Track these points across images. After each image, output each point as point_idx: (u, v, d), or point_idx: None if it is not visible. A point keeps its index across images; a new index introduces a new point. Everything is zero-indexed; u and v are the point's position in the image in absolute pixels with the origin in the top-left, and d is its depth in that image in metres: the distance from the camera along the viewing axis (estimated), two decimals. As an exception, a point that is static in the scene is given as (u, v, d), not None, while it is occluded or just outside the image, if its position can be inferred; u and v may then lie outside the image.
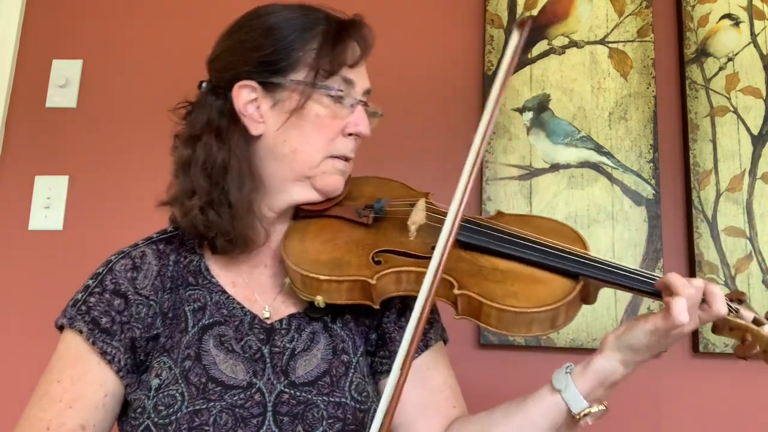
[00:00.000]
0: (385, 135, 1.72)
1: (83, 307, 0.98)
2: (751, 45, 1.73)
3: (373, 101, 1.08)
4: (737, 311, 0.91)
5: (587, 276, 0.93)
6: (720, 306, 0.87)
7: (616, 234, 1.65)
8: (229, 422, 0.91)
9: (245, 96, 1.00)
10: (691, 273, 1.63)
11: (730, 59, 1.73)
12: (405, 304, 1.07)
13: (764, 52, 1.73)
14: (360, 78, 1.04)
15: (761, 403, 1.59)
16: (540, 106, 1.73)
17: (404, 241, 1.00)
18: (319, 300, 0.97)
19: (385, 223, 1.04)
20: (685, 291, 0.86)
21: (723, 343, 1.57)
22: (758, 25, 1.74)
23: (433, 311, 1.11)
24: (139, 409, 0.93)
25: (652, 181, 1.67)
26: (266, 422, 0.93)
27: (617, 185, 1.68)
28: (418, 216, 1.01)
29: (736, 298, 0.95)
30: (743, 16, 1.75)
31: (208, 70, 1.06)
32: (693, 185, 1.66)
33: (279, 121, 1.00)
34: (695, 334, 1.59)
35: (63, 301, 1.84)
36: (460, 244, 0.98)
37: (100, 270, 1.02)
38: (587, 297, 0.96)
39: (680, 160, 1.72)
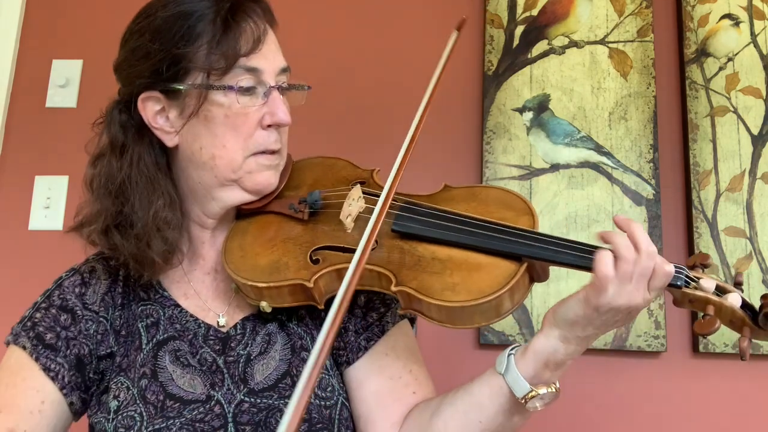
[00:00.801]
0: (384, 135, 1.72)
1: (28, 323, 0.96)
2: (751, 45, 1.73)
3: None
4: (698, 281, 0.83)
5: (531, 257, 0.87)
6: (666, 268, 0.81)
7: (616, 234, 1.65)
8: None
9: (151, 108, 0.95)
10: (691, 273, 1.63)
11: (730, 59, 1.73)
12: (357, 291, 1.00)
13: (764, 52, 1.73)
14: (266, 60, 0.95)
15: (761, 403, 1.59)
16: (540, 106, 1.73)
17: (341, 235, 0.94)
18: (264, 305, 0.94)
19: (323, 216, 0.98)
20: (615, 240, 0.81)
21: (723, 343, 1.57)
22: (758, 25, 1.74)
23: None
24: None
25: (652, 181, 1.67)
26: None
27: (617, 185, 1.68)
28: (352, 207, 0.95)
29: (700, 263, 0.86)
30: (743, 16, 1.75)
31: (116, 78, 1.01)
32: (693, 185, 1.66)
33: (188, 129, 0.94)
34: (695, 334, 1.59)
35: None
36: (396, 234, 0.93)
37: (50, 287, 1.01)
38: (537, 276, 0.90)
39: (680, 160, 1.72)
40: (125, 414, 0.91)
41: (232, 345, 0.97)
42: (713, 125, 1.69)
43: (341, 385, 0.99)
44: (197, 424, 0.90)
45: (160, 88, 0.94)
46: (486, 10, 1.79)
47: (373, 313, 1.03)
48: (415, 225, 0.93)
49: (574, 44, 1.77)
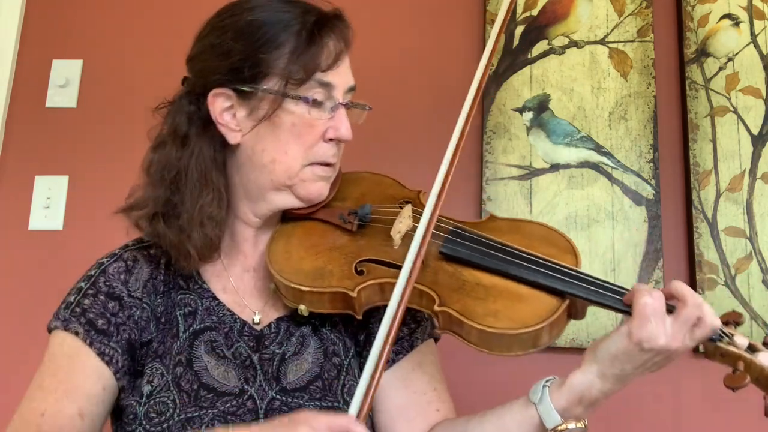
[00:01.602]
0: (384, 135, 1.72)
1: (77, 309, 0.96)
2: (751, 45, 1.73)
3: (364, 96, 1.04)
4: (731, 337, 0.85)
5: (575, 295, 0.88)
6: (710, 320, 0.83)
7: (616, 234, 1.65)
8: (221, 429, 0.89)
9: (220, 104, 0.97)
10: (691, 273, 1.63)
11: (730, 59, 1.73)
12: None
13: (764, 52, 1.73)
14: (339, 78, 0.99)
15: (761, 403, 1.59)
16: (540, 106, 1.73)
17: (388, 251, 0.97)
18: (303, 309, 0.95)
19: (371, 229, 1.01)
20: (652, 294, 0.83)
21: (723, 343, 1.57)
22: (758, 25, 1.74)
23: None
24: (131, 416, 0.92)
25: (652, 181, 1.67)
26: None
27: (617, 185, 1.68)
28: (402, 224, 0.98)
29: (733, 320, 0.89)
30: (743, 16, 1.75)
31: (187, 69, 1.04)
32: (693, 185, 1.66)
33: (255, 129, 0.97)
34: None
35: (63, 301, 1.80)
36: (443, 256, 0.95)
37: (92, 272, 1.00)
38: (575, 314, 0.92)
39: (680, 160, 1.71)
40: (158, 399, 0.92)
41: (266, 343, 0.99)
42: (713, 125, 1.69)
43: None
44: (229, 417, 0.91)
45: (234, 86, 0.96)
46: (486, 10, 1.79)
47: (404, 328, 1.05)
48: (463, 249, 0.95)
49: (574, 44, 1.77)
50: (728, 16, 1.75)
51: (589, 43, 1.76)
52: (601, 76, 1.74)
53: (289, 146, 0.97)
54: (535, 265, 0.91)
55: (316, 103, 0.97)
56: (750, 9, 1.75)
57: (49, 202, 1.78)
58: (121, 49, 1.88)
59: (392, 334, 0.80)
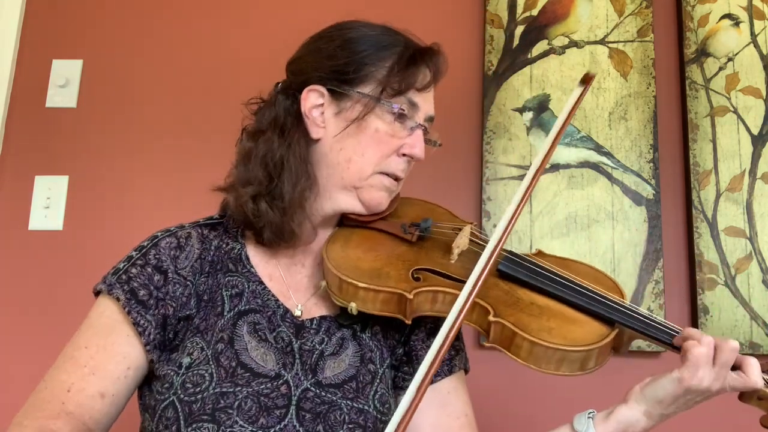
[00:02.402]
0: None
1: (124, 276, 0.99)
2: (751, 45, 1.73)
3: (433, 131, 1.11)
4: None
5: (623, 324, 0.94)
6: (755, 378, 0.89)
7: (616, 234, 1.65)
8: (253, 409, 0.92)
9: (312, 100, 1.04)
10: (691, 273, 1.63)
11: (730, 59, 1.73)
12: (435, 326, 1.07)
13: (764, 52, 1.73)
14: (425, 103, 1.07)
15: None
16: (540, 106, 1.73)
17: (445, 263, 1.01)
18: (353, 307, 0.97)
19: (428, 243, 1.06)
20: (704, 342, 0.89)
21: (723, 343, 1.57)
22: (758, 25, 1.74)
23: (459, 339, 1.13)
24: (167, 385, 0.94)
25: (652, 181, 1.67)
26: (289, 415, 0.93)
27: (617, 185, 1.68)
28: (462, 240, 1.02)
29: None
30: (743, 16, 1.75)
31: (285, 72, 1.10)
32: (693, 185, 1.66)
33: (339, 129, 1.03)
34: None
35: (63, 301, 1.84)
36: (499, 273, 0.99)
37: (145, 243, 1.04)
38: (619, 346, 0.97)
39: (680, 160, 1.72)
40: (196, 372, 0.94)
41: (306, 335, 1.01)
42: (713, 125, 1.69)
43: (395, 406, 1.02)
44: (262, 398, 0.93)
45: (329, 86, 1.04)
46: (486, 10, 1.79)
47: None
48: (521, 269, 1.00)
49: (574, 44, 1.77)
50: (728, 16, 1.75)
51: (589, 43, 1.76)
52: (601, 76, 1.74)
53: (367, 150, 1.03)
54: (589, 292, 0.97)
55: (401, 117, 1.04)
56: (750, 9, 1.75)
57: (49, 202, 1.78)
58: (121, 49, 1.88)
59: (447, 344, 0.84)
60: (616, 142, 1.70)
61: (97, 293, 1.01)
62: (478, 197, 1.69)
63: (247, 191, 1.03)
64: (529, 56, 1.76)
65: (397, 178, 1.06)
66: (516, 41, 1.77)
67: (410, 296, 0.95)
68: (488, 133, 1.72)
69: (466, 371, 1.12)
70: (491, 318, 0.92)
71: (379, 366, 1.03)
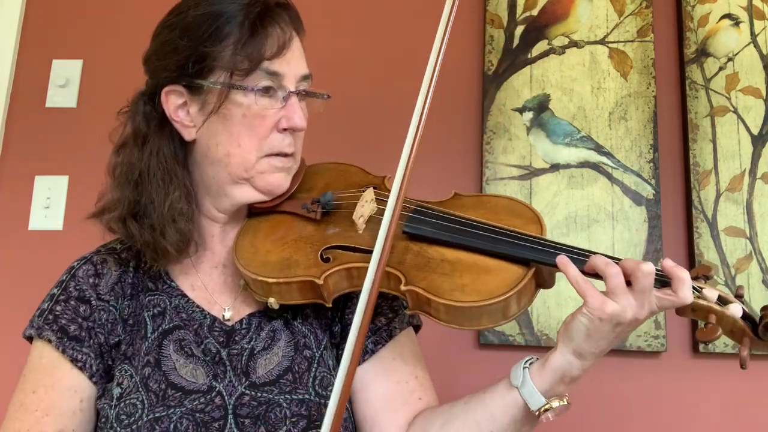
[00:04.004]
0: (384, 135, 1.72)
1: (50, 316, 0.97)
2: (751, 45, 1.73)
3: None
4: (701, 291, 0.85)
5: (539, 262, 0.88)
6: (685, 294, 0.82)
7: (616, 234, 1.65)
8: (190, 428, 0.90)
9: (173, 101, 0.98)
10: (691, 273, 1.63)
11: (730, 59, 1.73)
12: None
13: (764, 52, 1.73)
14: (288, 66, 0.97)
15: (761, 404, 1.59)
16: (540, 106, 1.73)
17: (353, 236, 0.97)
18: (272, 302, 0.95)
19: (335, 217, 1.01)
20: (610, 273, 0.82)
21: (723, 343, 1.57)
22: (758, 25, 1.74)
23: (397, 299, 1.05)
24: (104, 419, 0.93)
25: (652, 181, 1.67)
26: (228, 425, 0.91)
27: (617, 185, 1.68)
28: (365, 209, 0.97)
29: (702, 274, 0.88)
30: (743, 16, 1.75)
31: (143, 70, 1.04)
32: (693, 185, 1.66)
33: (207, 124, 0.97)
34: (695, 335, 1.59)
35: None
36: (407, 235, 0.95)
37: (64, 277, 1.02)
38: (543, 282, 0.92)
39: (680, 160, 1.72)
40: (127, 401, 0.92)
41: (236, 339, 0.99)
42: (713, 125, 1.69)
43: None
44: (197, 414, 0.91)
45: (183, 82, 0.97)
46: (486, 10, 1.79)
47: (381, 318, 1.04)
48: (427, 228, 0.94)
49: (574, 44, 1.77)
50: (728, 16, 1.75)
51: (589, 43, 1.76)
52: (601, 76, 1.74)
53: (241, 138, 0.96)
54: (498, 235, 0.91)
55: (264, 92, 0.96)
56: (750, 9, 1.75)
57: (49, 202, 1.78)
58: (121, 49, 1.87)
59: (368, 313, 0.81)
60: (616, 142, 1.70)
61: (29, 338, 0.99)
62: (478, 197, 1.69)
63: (113, 214, 0.98)
64: (529, 56, 1.76)
65: (286, 155, 0.99)
66: (516, 41, 1.77)
67: (320, 281, 0.92)
68: (488, 133, 1.72)
69: (417, 327, 1.08)
70: (403, 287, 0.89)
71: (315, 350, 1.00)
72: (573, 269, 0.84)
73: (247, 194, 1.00)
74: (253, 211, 1.05)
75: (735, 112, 1.70)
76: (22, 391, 0.96)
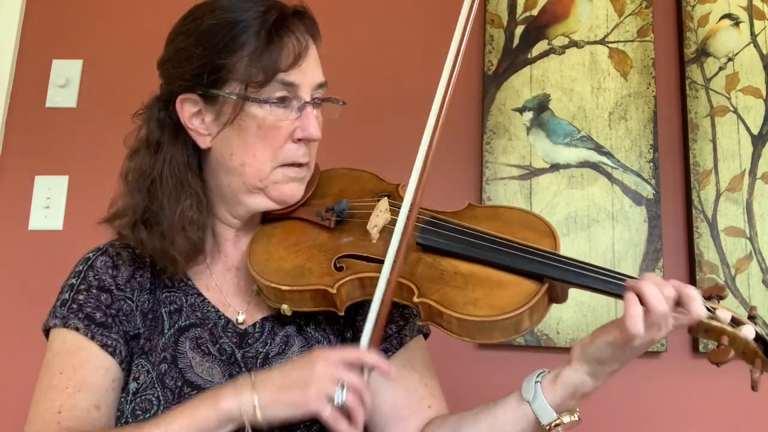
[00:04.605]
0: (384, 135, 1.72)
1: (74, 306, 0.96)
2: (751, 45, 1.73)
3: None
4: (714, 311, 0.84)
5: (552, 278, 0.88)
6: (698, 309, 0.82)
7: (616, 234, 1.65)
8: None
9: (188, 109, 0.98)
10: (691, 273, 1.63)
11: (730, 59, 1.73)
12: None
13: (764, 52, 1.73)
14: (304, 76, 0.97)
15: (761, 404, 1.59)
16: (540, 106, 1.73)
17: (367, 245, 0.97)
18: (285, 308, 0.95)
19: (349, 225, 1.01)
20: (651, 297, 0.81)
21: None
22: (758, 25, 1.74)
23: (408, 307, 1.04)
24: (119, 413, 0.93)
25: (652, 181, 1.67)
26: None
27: (617, 185, 1.68)
28: (379, 219, 0.97)
29: (716, 294, 0.88)
30: (743, 16, 1.75)
31: (158, 75, 1.03)
32: (693, 185, 1.66)
33: (222, 134, 0.97)
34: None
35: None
36: (420, 246, 0.95)
37: (81, 267, 1.01)
38: (556, 297, 0.92)
39: (680, 160, 1.72)
40: (143, 397, 0.92)
41: (249, 341, 0.99)
42: (713, 125, 1.69)
43: None
44: None
45: (199, 91, 0.96)
46: (486, 10, 1.79)
47: (392, 325, 1.04)
48: (440, 239, 0.94)
49: (574, 44, 1.77)
50: (728, 16, 1.75)
51: (589, 43, 1.76)
52: (601, 76, 1.74)
53: (256, 149, 0.96)
54: (511, 249, 0.91)
55: (279, 103, 0.95)
56: (750, 9, 1.75)
57: (49, 202, 1.78)
58: (121, 49, 1.88)
59: (379, 324, 0.82)
60: (616, 142, 1.70)
61: (47, 330, 0.97)
62: (478, 197, 1.69)
63: (123, 221, 0.98)
64: (529, 56, 1.76)
65: (300, 165, 0.99)
66: (516, 41, 1.77)
67: (333, 291, 0.92)
68: (488, 133, 1.72)
69: (426, 335, 1.08)
70: (416, 299, 0.89)
71: None
72: (638, 308, 0.82)
73: (261, 203, 1.00)
74: (267, 217, 1.05)
75: (735, 112, 1.70)
76: (47, 375, 0.93)
